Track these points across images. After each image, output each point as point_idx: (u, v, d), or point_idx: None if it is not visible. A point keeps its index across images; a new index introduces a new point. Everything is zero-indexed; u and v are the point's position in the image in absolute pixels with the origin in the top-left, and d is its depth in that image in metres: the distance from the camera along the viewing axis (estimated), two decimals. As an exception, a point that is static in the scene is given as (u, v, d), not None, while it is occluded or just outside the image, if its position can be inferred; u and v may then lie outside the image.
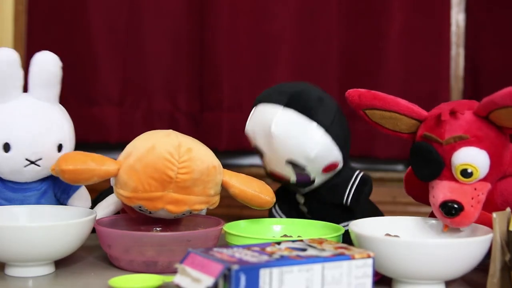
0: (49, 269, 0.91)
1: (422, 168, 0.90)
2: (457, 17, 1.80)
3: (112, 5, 1.84)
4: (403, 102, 0.93)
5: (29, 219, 0.98)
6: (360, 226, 0.90)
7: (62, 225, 0.89)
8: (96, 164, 0.91)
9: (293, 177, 1.00)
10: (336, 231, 0.97)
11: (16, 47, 1.88)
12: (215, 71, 1.80)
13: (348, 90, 0.96)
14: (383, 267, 0.83)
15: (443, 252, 0.80)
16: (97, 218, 0.98)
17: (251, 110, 1.06)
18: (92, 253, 1.02)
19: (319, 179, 1.01)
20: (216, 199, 0.97)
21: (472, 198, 0.86)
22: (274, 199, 0.99)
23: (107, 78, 1.84)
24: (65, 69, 2.01)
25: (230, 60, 1.80)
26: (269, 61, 1.81)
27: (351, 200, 1.03)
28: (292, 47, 1.80)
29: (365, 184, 1.04)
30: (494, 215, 0.81)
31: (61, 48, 1.87)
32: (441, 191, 0.87)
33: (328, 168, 0.99)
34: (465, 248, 0.81)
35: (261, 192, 0.98)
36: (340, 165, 1.01)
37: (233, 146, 1.81)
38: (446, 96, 1.78)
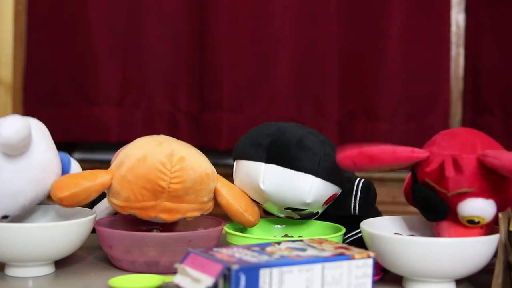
0: (49, 269, 0.91)
1: (427, 211, 0.87)
2: (457, 17, 1.80)
3: (112, 5, 1.85)
4: (401, 154, 0.85)
5: (29, 219, 0.98)
6: (371, 225, 0.91)
7: (62, 225, 0.89)
8: (89, 181, 0.91)
9: (296, 216, 0.99)
10: (337, 231, 0.97)
11: (16, 47, 1.88)
12: (215, 71, 1.80)
13: (339, 157, 0.86)
14: (395, 266, 0.84)
15: (454, 251, 0.80)
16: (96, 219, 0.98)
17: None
18: (92, 253, 1.01)
19: (322, 209, 1.00)
20: (210, 205, 0.96)
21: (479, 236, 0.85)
22: (258, 221, 0.98)
23: (107, 78, 1.84)
24: (65, 69, 2.01)
25: (230, 60, 1.80)
26: (269, 61, 1.81)
27: (359, 210, 1.01)
28: (292, 47, 1.80)
29: (368, 191, 1.01)
30: (500, 214, 0.82)
31: (61, 48, 1.88)
32: (447, 232, 0.86)
33: (328, 201, 0.96)
34: (476, 247, 0.81)
35: (246, 211, 0.96)
36: (340, 191, 0.99)
37: (233, 146, 1.81)
38: (446, 96, 1.78)
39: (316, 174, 0.93)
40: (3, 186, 0.87)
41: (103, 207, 1.06)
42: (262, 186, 0.94)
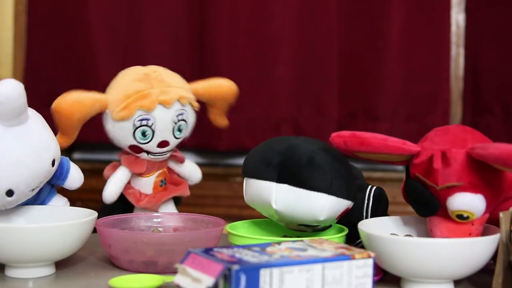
0: (49, 270, 0.91)
1: (418, 207, 0.88)
2: (457, 17, 1.80)
3: (112, 5, 1.85)
4: (392, 143, 0.86)
5: (29, 219, 0.98)
6: (368, 226, 0.91)
7: (63, 225, 0.89)
8: (83, 92, 1.08)
9: (309, 230, 0.99)
10: (339, 232, 0.97)
11: (16, 47, 1.88)
12: (215, 71, 1.80)
13: (332, 135, 0.89)
14: (392, 266, 0.84)
15: (452, 251, 0.80)
16: (108, 192, 1.08)
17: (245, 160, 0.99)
18: (93, 253, 1.01)
19: (334, 222, 0.99)
20: (196, 103, 1.10)
21: (470, 234, 0.85)
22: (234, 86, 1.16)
23: (107, 78, 1.84)
24: (65, 69, 2.00)
25: (230, 60, 1.80)
26: (269, 61, 1.81)
27: (371, 218, 1.01)
28: (292, 47, 1.80)
29: (380, 199, 1.01)
30: (501, 214, 0.81)
31: (61, 48, 1.88)
32: (438, 228, 0.86)
33: (341, 215, 0.96)
34: (474, 248, 0.81)
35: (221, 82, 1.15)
36: (352, 204, 0.97)
37: (233, 146, 1.81)
38: (446, 96, 1.78)
39: (329, 192, 0.91)
40: (3, 153, 0.87)
41: (113, 181, 1.11)
42: (274, 206, 0.92)
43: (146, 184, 1.12)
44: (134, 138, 1.06)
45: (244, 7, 1.80)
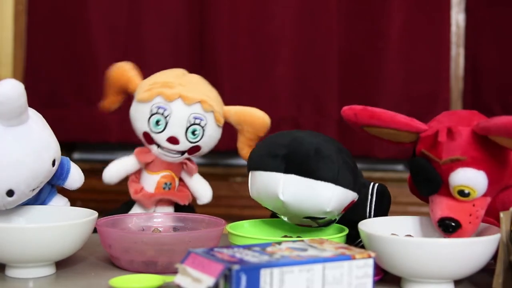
0: (50, 270, 0.91)
1: (421, 184, 0.89)
2: (457, 17, 1.80)
3: (112, 5, 1.85)
4: (401, 118, 0.89)
5: (30, 219, 0.98)
6: (369, 226, 0.91)
7: (63, 225, 0.89)
8: (133, 68, 1.17)
9: (314, 224, 0.99)
10: (339, 232, 0.97)
11: (16, 47, 1.88)
12: (215, 71, 1.80)
13: (343, 108, 0.92)
14: (393, 266, 0.84)
15: (452, 251, 0.80)
16: (107, 171, 1.13)
17: (247, 174, 1.00)
18: (93, 253, 1.01)
19: (339, 216, 0.99)
20: (222, 118, 1.14)
21: (470, 215, 0.85)
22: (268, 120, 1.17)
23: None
24: (65, 69, 2.00)
25: (230, 60, 1.80)
26: (269, 61, 1.81)
27: (374, 215, 1.01)
28: (292, 47, 1.80)
29: (383, 196, 1.01)
30: (501, 214, 0.82)
31: (61, 48, 1.88)
32: (439, 207, 0.87)
33: (347, 207, 0.96)
34: (475, 248, 0.81)
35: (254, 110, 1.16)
36: (357, 197, 0.98)
37: (233, 146, 1.81)
38: (446, 96, 1.78)
39: (336, 182, 0.91)
40: (3, 153, 0.87)
41: (116, 166, 1.15)
42: (281, 197, 0.92)
43: (150, 182, 1.13)
44: (148, 124, 1.10)
45: (244, 7, 1.80)
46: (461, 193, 0.85)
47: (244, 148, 1.18)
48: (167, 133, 1.10)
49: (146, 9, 1.84)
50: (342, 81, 1.80)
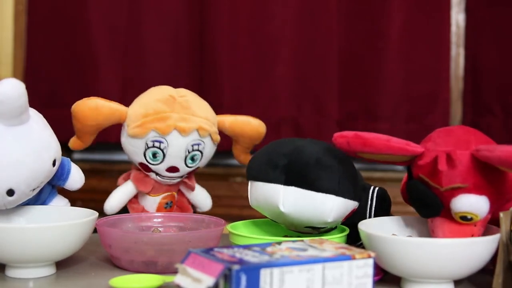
0: (50, 270, 0.91)
1: (420, 207, 0.88)
2: (457, 17, 1.80)
3: (112, 5, 1.85)
4: (394, 143, 0.85)
5: (30, 219, 0.98)
6: (369, 226, 0.91)
7: (63, 225, 0.89)
8: (105, 101, 1.06)
9: (315, 232, 0.99)
10: (340, 232, 0.97)
11: (16, 47, 1.88)
12: (215, 71, 1.80)
13: (335, 135, 0.89)
14: (393, 266, 0.84)
15: (452, 251, 0.80)
16: (109, 205, 1.08)
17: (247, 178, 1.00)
18: (93, 253, 1.01)
19: (339, 223, 0.99)
20: (218, 136, 1.09)
21: (472, 235, 0.85)
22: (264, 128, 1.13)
23: (107, 78, 1.84)
24: (65, 69, 2.00)
25: (230, 60, 1.80)
26: (269, 61, 1.81)
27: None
28: (292, 47, 1.80)
29: (384, 200, 1.01)
30: (501, 214, 0.81)
31: (61, 48, 1.88)
32: (441, 230, 0.86)
33: (347, 216, 0.96)
34: (475, 248, 0.81)
35: (250, 119, 1.13)
36: (358, 205, 0.97)
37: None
38: (446, 96, 1.78)
39: (337, 193, 0.91)
40: (4, 153, 0.87)
41: (115, 197, 1.11)
42: (282, 209, 0.92)
43: (151, 203, 1.11)
44: (145, 157, 1.06)
45: (244, 7, 1.80)
46: (464, 218, 0.84)
47: (241, 155, 1.18)
48: (166, 164, 1.06)
49: (146, 9, 1.84)
50: (342, 81, 1.80)
